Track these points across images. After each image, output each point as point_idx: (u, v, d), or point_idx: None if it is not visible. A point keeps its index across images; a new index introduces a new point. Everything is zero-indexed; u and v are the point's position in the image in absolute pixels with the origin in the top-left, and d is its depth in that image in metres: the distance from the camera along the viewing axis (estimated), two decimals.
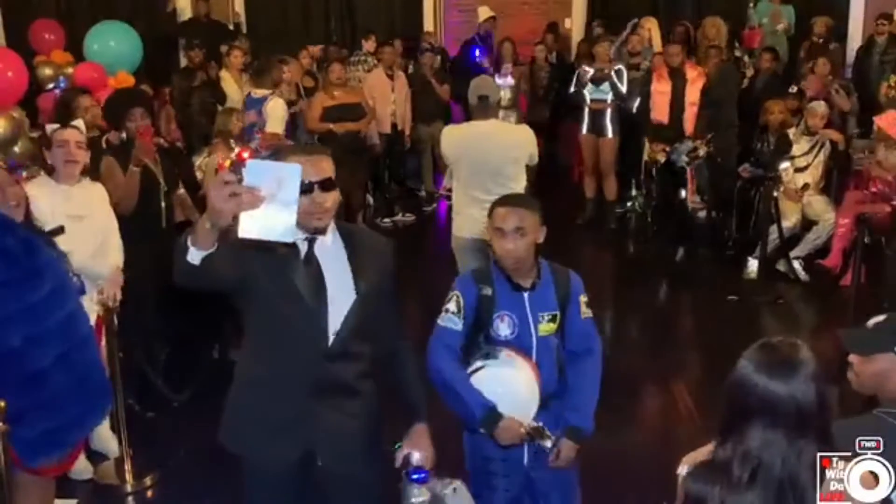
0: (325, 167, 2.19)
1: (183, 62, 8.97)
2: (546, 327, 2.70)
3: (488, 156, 4.46)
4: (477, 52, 9.04)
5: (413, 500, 2.35)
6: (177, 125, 6.95)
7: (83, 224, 3.52)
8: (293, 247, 2.18)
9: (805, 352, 1.75)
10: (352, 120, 7.00)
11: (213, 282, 2.05)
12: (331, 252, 2.27)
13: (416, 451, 2.39)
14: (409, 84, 8.17)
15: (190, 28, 9.12)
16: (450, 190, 5.33)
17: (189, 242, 1.94)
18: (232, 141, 5.37)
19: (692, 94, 7.29)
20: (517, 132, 4.69)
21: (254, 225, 1.77)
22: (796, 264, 6.27)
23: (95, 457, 3.86)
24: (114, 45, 6.67)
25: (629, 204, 7.79)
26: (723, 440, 1.77)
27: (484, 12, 9.41)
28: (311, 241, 2.24)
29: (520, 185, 4.52)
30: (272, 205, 1.76)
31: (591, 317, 2.78)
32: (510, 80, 8.01)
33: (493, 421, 2.58)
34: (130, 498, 3.74)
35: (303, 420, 2.27)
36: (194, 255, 1.95)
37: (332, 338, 2.25)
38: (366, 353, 2.36)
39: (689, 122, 7.27)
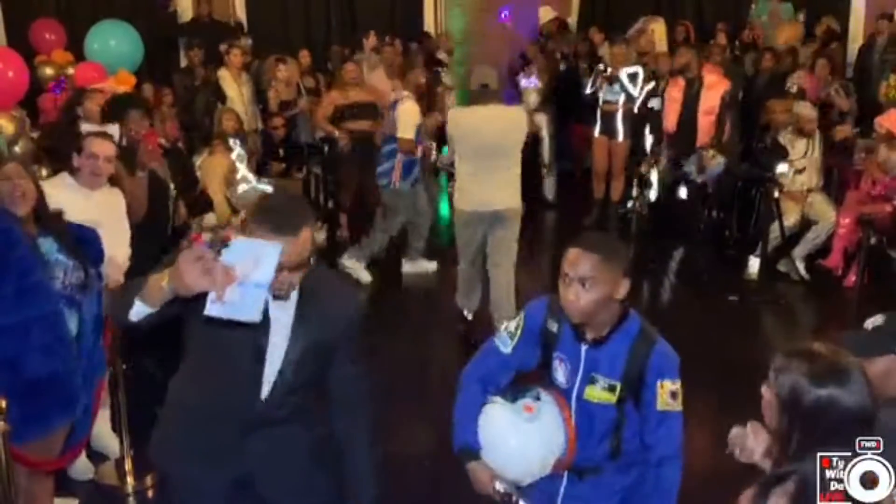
0: (307, 248, 1.98)
1: (183, 62, 8.97)
2: (597, 394, 2.25)
3: (489, 135, 4.85)
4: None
5: None
6: (179, 125, 6.94)
7: (100, 230, 3.49)
8: None
9: (849, 355, 1.72)
10: (366, 119, 7.00)
11: (154, 325, 1.92)
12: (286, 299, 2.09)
13: None
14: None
15: (191, 28, 9.12)
16: (451, 164, 5.54)
17: (137, 299, 1.83)
18: (231, 140, 5.37)
19: (710, 99, 6.76)
20: (514, 114, 5.12)
21: (221, 303, 1.67)
22: (798, 263, 6.25)
23: (96, 457, 3.85)
24: (114, 45, 6.66)
25: (630, 204, 7.78)
26: (791, 464, 1.67)
27: (546, 13, 9.33)
28: None
29: (516, 162, 4.95)
30: (244, 284, 1.67)
31: (674, 410, 2.22)
32: (536, 82, 7.86)
33: (465, 459, 2.32)
34: (130, 498, 3.72)
35: (233, 451, 2.16)
36: (139, 312, 1.84)
37: (267, 384, 2.12)
38: (306, 397, 2.21)
39: (702, 132, 6.75)
